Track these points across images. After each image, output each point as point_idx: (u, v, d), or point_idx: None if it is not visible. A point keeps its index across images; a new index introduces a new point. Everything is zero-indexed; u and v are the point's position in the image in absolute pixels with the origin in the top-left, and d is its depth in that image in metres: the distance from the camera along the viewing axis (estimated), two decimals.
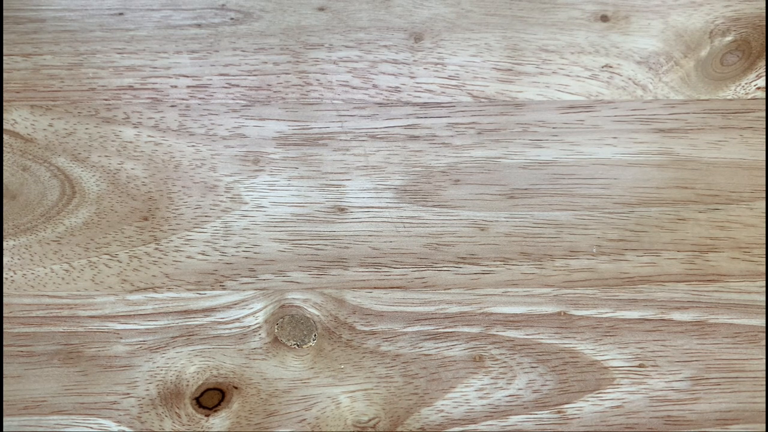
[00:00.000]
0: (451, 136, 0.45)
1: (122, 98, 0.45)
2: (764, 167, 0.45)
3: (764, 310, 0.45)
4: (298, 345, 0.45)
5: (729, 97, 0.45)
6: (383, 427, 0.45)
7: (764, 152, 0.45)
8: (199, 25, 0.45)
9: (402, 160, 0.45)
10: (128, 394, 0.45)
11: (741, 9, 0.45)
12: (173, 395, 0.45)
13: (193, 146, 0.45)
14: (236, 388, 0.45)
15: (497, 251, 0.45)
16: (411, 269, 0.45)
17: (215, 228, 0.45)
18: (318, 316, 0.45)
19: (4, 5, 0.45)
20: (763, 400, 0.45)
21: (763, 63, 0.45)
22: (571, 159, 0.45)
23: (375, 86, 0.45)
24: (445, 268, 0.45)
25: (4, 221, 0.45)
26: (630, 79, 0.45)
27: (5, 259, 0.45)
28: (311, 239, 0.45)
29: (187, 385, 0.45)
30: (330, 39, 0.45)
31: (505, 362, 0.45)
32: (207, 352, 0.45)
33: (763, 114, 0.45)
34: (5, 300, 0.45)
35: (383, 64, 0.45)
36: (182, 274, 0.45)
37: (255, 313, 0.45)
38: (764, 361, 0.45)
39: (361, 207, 0.45)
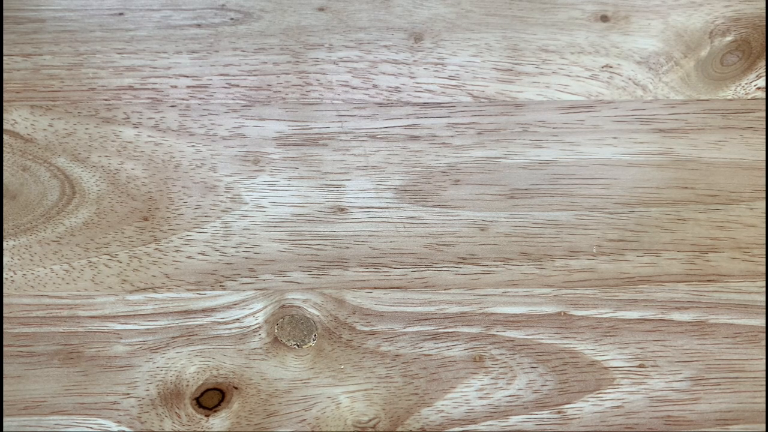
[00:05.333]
0: (451, 136, 0.45)
1: (122, 98, 0.45)
2: (764, 167, 0.45)
3: (764, 310, 0.45)
4: (298, 345, 0.45)
5: (729, 97, 0.45)
6: (383, 427, 0.45)
7: (764, 152, 0.45)
8: (199, 25, 0.45)
9: (402, 160, 0.45)
10: (128, 394, 0.45)
11: (741, 9, 0.45)
12: (173, 395, 0.45)
13: (193, 146, 0.45)
14: (236, 388, 0.45)
15: (497, 251, 0.45)
16: (411, 269, 0.45)
17: (215, 228, 0.45)
18: (318, 316, 0.45)
19: (4, 5, 0.45)
20: (763, 400, 0.45)
21: (763, 63, 0.45)
22: (571, 159, 0.45)
23: (375, 86, 0.45)
24: (445, 269, 0.45)
25: (4, 221, 0.45)
26: (630, 79, 0.45)
27: (5, 259, 0.45)
28: (311, 239, 0.45)
29: (187, 386, 0.45)
30: (330, 39, 0.45)
31: (505, 362, 0.45)
32: (207, 353, 0.45)
33: (763, 114, 0.45)
34: (5, 300, 0.45)
35: (383, 64, 0.45)
36: (182, 274, 0.45)
37: (255, 313, 0.45)
38: (764, 361, 0.45)
39: (361, 207, 0.45)
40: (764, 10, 0.45)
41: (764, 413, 0.45)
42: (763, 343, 0.45)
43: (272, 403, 0.45)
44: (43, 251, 0.45)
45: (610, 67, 0.45)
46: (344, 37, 0.45)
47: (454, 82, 0.45)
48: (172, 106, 0.45)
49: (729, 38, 0.45)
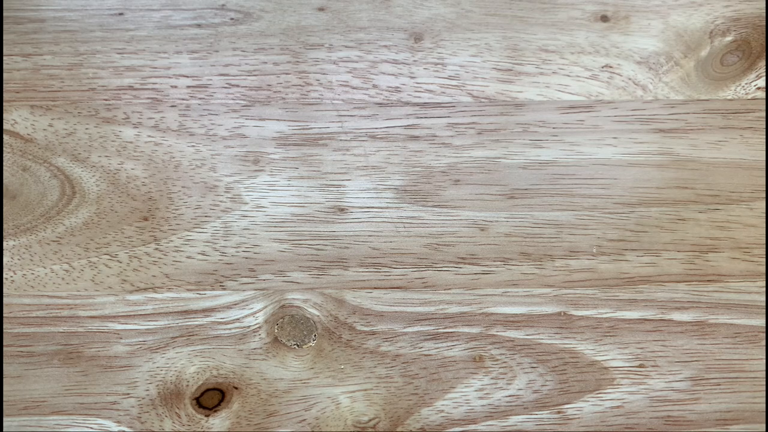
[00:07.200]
0: (451, 136, 0.45)
1: (122, 98, 0.45)
2: (764, 167, 0.45)
3: (764, 310, 0.45)
4: (298, 345, 0.45)
5: (729, 97, 0.45)
6: (383, 428, 0.45)
7: (764, 152, 0.45)
8: (199, 25, 0.45)
9: (402, 160, 0.45)
10: (128, 394, 0.45)
11: (741, 9, 0.45)
12: (173, 395, 0.45)
13: (193, 146, 0.45)
14: (236, 388, 0.45)
15: (497, 251, 0.45)
16: (411, 269, 0.45)
17: (215, 228, 0.45)
18: (318, 316, 0.45)
19: (4, 5, 0.45)
20: (763, 400, 0.45)
21: (763, 63, 0.45)
22: (571, 159, 0.45)
23: (375, 86, 0.45)
24: (445, 269, 0.45)
25: (4, 221, 0.45)
26: (630, 79, 0.45)
27: (5, 259, 0.45)
28: (311, 239, 0.45)
29: (187, 386, 0.45)
30: (330, 39, 0.45)
31: (505, 362, 0.45)
32: (207, 353, 0.45)
33: (763, 114, 0.45)
34: (5, 300, 0.45)
35: (383, 64, 0.45)
36: (182, 274, 0.45)
37: (255, 313, 0.45)
38: (764, 361, 0.45)
39: (361, 207, 0.45)
40: (764, 10, 0.45)
41: (764, 413, 0.45)
42: (763, 343, 0.45)
43: (272, 403, 0.45)
44: (43, 251, 0.45)
45: (610, 67, 0.45)
46: (344, 37, 0.45)
47: (454, 82, 0.45)
48: (172, 106, 0.45)
49: (729, 38, 0.45)
